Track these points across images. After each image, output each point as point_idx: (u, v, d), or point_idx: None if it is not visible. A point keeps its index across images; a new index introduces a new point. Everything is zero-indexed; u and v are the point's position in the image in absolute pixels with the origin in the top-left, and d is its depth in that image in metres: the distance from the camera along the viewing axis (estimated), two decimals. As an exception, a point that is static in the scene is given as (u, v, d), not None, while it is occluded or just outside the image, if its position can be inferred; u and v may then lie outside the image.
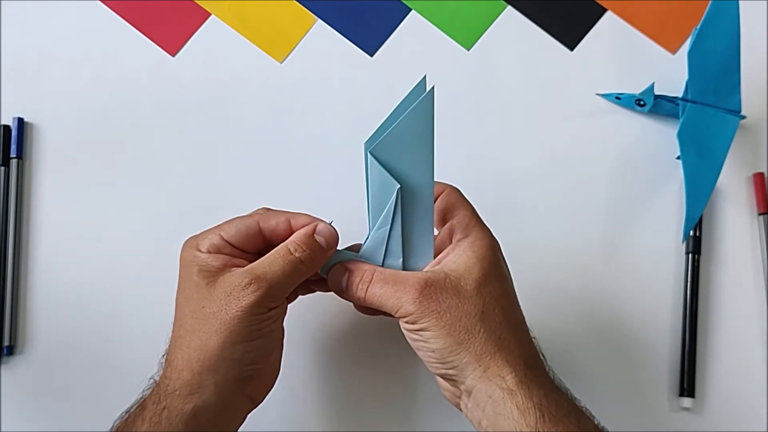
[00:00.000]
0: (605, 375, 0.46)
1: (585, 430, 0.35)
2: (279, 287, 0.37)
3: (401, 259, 0.40)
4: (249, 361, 0.37)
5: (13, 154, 0.48)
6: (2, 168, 0.48)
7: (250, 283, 0.36)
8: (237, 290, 0.36)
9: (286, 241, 0.38)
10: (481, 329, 0.36)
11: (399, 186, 0.38)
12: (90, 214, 0.48)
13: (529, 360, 0.36)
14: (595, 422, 0.36)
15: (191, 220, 0.48)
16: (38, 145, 0.49)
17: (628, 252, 0.49)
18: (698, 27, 0.47)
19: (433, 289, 0.36)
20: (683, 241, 0.48)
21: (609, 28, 0.53)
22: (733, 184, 0.50)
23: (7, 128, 0.49)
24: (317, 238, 0.39)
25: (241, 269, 0.37)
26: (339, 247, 0.40)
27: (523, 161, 0.50)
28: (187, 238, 0.39)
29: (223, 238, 0.38)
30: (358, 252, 0.41)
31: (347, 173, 0.49)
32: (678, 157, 0.47)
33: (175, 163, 0.49)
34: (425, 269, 0.39)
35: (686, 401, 0.46)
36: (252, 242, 0.39)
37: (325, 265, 0.40)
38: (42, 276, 0.47)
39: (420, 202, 0.39)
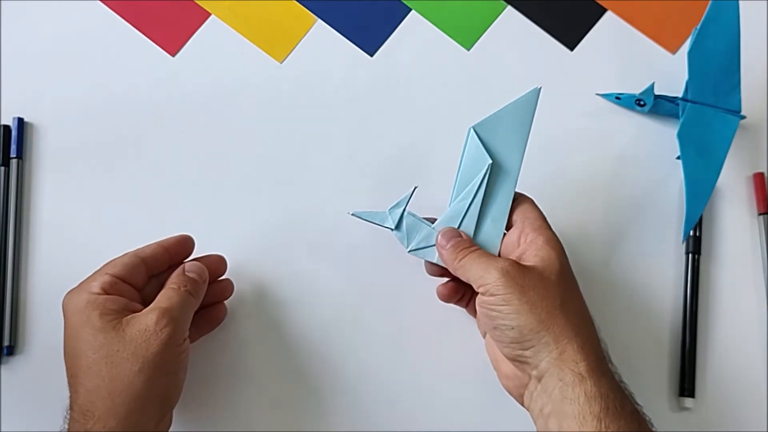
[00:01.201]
0: (605, 375, 0.46)
1: (643, 431, 0.37)
2: (183, 319, 0.40)
3: (471, 236, 0.43)
4: (173, 395, 0.39)
5: (13, 154, 0.48)
6: (2, 168, 0.48)
7: (162, 318, 0.38)
8: (151, 327, 0.38)
9: (169, 280, 0.41)
10: (561, 314, 0.38)
11: (491, 162, 0.42)
12: (90, 214, 0.48)
13: (599, 353, 0.38)
14: (653, 430, 0.37)
15: (191, 219, 0.48)
16: (38, 145, 0.49)
17: (628, 252, 0.49)
18: (698, 27, 0.47)
19: (519, 270, 0.39)
20: (683, 241, 0.48)
21: (609, 28, 0.53)
22: (733, 184, 0.50)
23: (7, 128, 0.49)
24: (189, 274, 0.42)
25: (148, 308, 0.39)
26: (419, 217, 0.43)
27: (523, 161, 0.50)
28: (68, 291, 0.41)
29: (112, 275, 0.40)
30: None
31: (347, 173, 0.49)
32: (678, 157, 0.47)
33: (175, 163, 0.49)
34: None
35: (686, 401, 0.46)
36: (137, 273, 0.41)
37: (417, 232, 0.43)
38: (42, 276, 0.47)
39: (504, 185, 0.43)
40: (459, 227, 0.43)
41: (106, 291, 0.39)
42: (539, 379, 0.37)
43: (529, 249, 0.40)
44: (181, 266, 0.43)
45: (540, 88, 0.42)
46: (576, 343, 0.37)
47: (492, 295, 0.38)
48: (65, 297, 0.40)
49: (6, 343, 0.45)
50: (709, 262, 0.49)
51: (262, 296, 0.47)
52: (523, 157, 0.43)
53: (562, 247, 0.40)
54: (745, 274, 0.49)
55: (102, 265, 0.41)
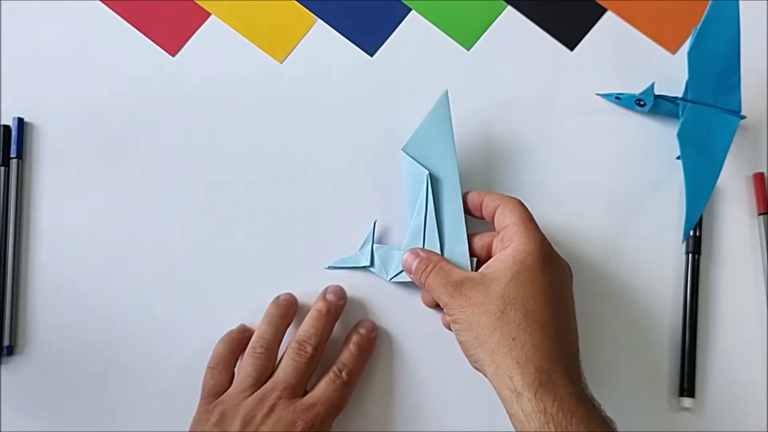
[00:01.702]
0: (605, 374, 0.46)
1: None
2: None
3: (438, 247, 0.45)
4: None
5: (13, 154, 0.48)
6: (2, 168, 0.48)
7: None
8: None
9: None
10: (497, 328, 0.37)
11: (428, 172, 0.45)
12: (90, 214, 0.48)
13: (543, 364, 0.36)
14: None
15: (191, 219, 0.48)
16: (38, 145, 0.49)
17: (628, 252, 0.49)
18: (698, 27, 0.47)
19: (467, 286, 0.40)
20: (683, 241, 0.48)
21: (609, 28, 0.53)
22: (733, 184, 0.50)
23: (7, 128, 0.49)
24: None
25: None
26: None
27: (523, 161, 0.50)
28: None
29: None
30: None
31: (347, 173, 0.49)
32: (678, 157, 0.47)
33: (175, 163, 0.49)
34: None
35: (686, 401, 0.46)
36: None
37: (391, 261, 0.46)
38: (42, 276, 0.47)
39: (448, 190, 0.45)
40: (423, 242, 0.45)
41: None
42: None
43: (495, 260, 0.41)
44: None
45: (447, 91, 0.46)
46: (509, 358, 0.36)
47: (448, 314, 0.40)
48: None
49: (6, 343, 0.46)
50: (709, 262, 0.49)
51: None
52: (455, 158, 0.45)
53: (531, 249, 0.40)
54: (745, 274, 0.49)
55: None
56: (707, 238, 0.49)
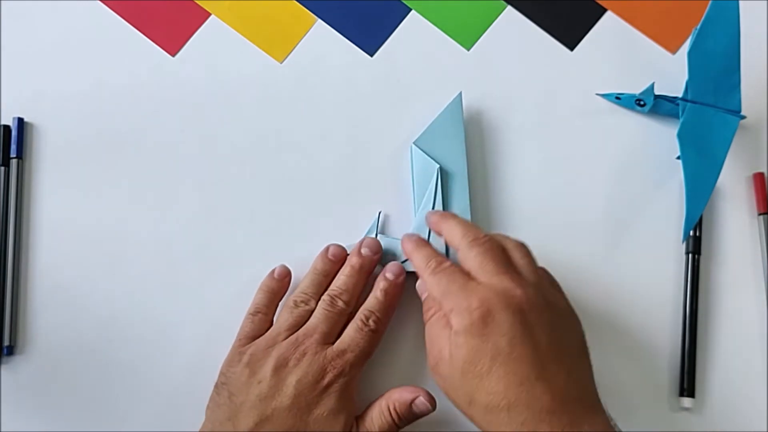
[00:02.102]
0: (605, 375, 0.46)
1: None
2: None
3: (443, 241, 0.45)
4: None
5: (13, 154, 0.48)
6: (2, 168, 0.48)
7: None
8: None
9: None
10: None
11: (439, 166, 0.47)
12: (90, 214, 0.48)
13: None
14: None
15: (191, 219, 0.48)
16: (38, 145, 0.49)
17: (628, 252, 0.49)
18: (698, 27, 0.47)
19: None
20: (683, 241, 0.48)
21: (609, 28, 0.53)
22: (733, 184, 0.50)
23: (7, 128, 0.49)
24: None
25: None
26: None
27: (523, 161, 0.50)
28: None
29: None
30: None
31: (347, 173, 0.50)
32: (678, 157, 0.47)
33: (175, 163, 0.49)
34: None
35: (686, 401, 0.46)
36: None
37: (394, 251, 0.47)
38: (42, 276, 0.47)
39: (457, 187, 0.47)
40: (429, 235, 0.46)
41: None
42: None
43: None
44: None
45: (461, 93, 0.48)
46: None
47: None
48: None
49: (6, 343, 0.45)
50: (709, 262, 0.49)
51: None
52: (465, 156, 0.47)
53: (457, 342, 0.38)
54: (745, 274, 0.49)
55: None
56: (707, 238, 0.49)
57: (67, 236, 0.48)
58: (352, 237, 0.48)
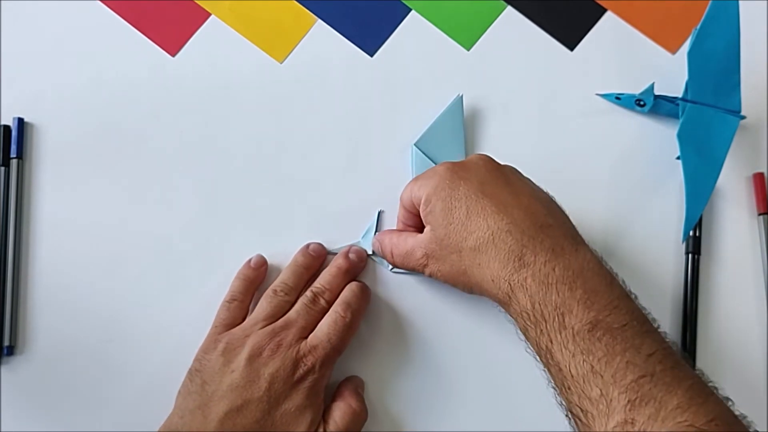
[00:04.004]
0: (605, 375, 0.46)
1: None
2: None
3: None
4: None
5: (13, 154, 0.48)
6: (2, 168, 0.48)
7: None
8: None
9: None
10: (462, 265, 0.40)
11: None
12: (90, 213, 0.48)
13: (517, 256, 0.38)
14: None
15: (191, 219, 0.48)
16: (38, 145, 0.49)
17: (628, 252, 0.49)
18: (698, 27, 0.47)
19: (421, 251, 0.42)
20: (683, 241, 0.48)
21: (609, 28, 0.53)
22: (733, 184, 0.50)
23: (7, 128, 0.49)
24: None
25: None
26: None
27: (523, 162, 0.50)
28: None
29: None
30: None
31: (347, 172, 0.50)
32: (678, 157, 0.47)
33: (175, 163, 0.49)
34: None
35: (686, 401, 0.46)
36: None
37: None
38: (42, 276, 0.47)
39: None
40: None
41: None
42: None
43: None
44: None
45: (462, 95, 0.49)
46: (489, 269, 0.38)
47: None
48: None
49: (6, 343, 0.45)
50: (709, 262, 0.49)
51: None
52: (464, 157, 0.48)
53: (434, 183, 0.41)
54: (745, 274, 0.49)
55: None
56: (707, 238, 0.49)
57: (67, 236, 0.48)
58: (351, 237, 0.48)
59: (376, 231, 0.47)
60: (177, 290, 0.47)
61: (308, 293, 0.44)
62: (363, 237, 0.47)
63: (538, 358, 0.37)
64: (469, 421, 0.45)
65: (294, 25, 0.52)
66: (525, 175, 0.43)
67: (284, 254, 0.47)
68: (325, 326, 0.42)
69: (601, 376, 0.33)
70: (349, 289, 0.44)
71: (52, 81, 0.50)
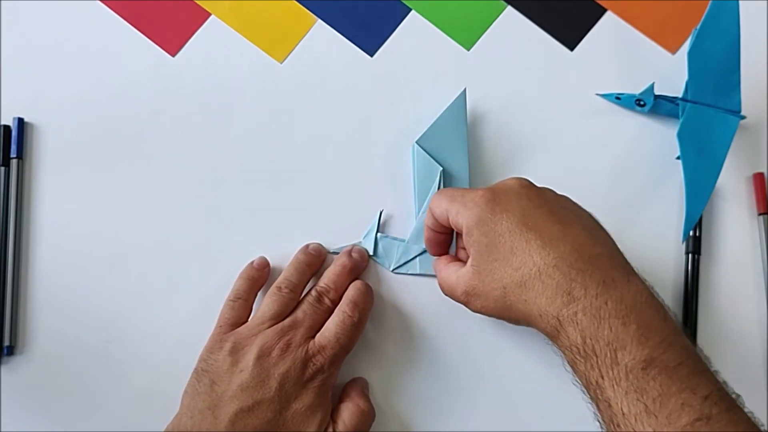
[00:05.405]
0: (605, 375, 0.46)
1: None
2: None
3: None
4: None
5: (13, 154, 0.48)
6: (2, 168, 0.48)
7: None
8: None
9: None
10: (507, 301, 0.38)
11: (442, 169, 0.46)
12: (90, 214, 0.48)
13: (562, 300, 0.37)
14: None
15: (191, 219, 0.48)
16: (38, 145, 0.49)
17: (628, 252, 0.48)
18: (698, 27, 0.47)
19: (465, 292, 0.40)
20: (683, 241, 0.48)
21: (609, 28, 0.53)
22: (733, 184, 0.50)
23: (7, 128, 0.49)
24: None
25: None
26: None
27: (523, 162, 0.50)
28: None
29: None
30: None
31: (347, 173, 0.50)
32: (678, 157, 0.47)
33: (175, 164, 0.49)
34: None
35: (686, 401, 0.46)
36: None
37: (395, 251, 0.47)
38: (42, 276, 0.47)
39: (459, 182, 0.47)
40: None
41: None
42: None
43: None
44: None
45: (465, 89, 0.48)
46: (537, 304, 0.37)
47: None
48: None
49: (6, 343, 0.46)
50: (709, 262, 0.49)
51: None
52: (467, 155, 0.47)
53: (471, 217, 0.39)
54: (745, 274, 0.49)
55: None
56: (707, 238, 0.49)
57: (67, 236, 0.48)
58: (352, 237, 0.48)
59: (377, 231, 0.47)
60: (177, 290, 0.47)
61: (313, 292, 0.44)
62: (364, 237, 0.47)
63: (585, 391, 0.36)
64: (475, 420, 0.45)
65: (294, 25, 0.52)
66: (563, 194, 0.41)
67: (284, 254, 0.47)
68: (333, 326, 0.42)
69: (656, 417, 0.32)
70: (355, 288, 0.44)
71: (52, 81, 0.50)
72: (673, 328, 0.35)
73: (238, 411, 0.39)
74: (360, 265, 0.46)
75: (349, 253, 0.46)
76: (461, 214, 0.39)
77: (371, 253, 0.47)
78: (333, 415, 0.42)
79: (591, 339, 0.34)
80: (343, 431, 0.41)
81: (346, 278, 0.45)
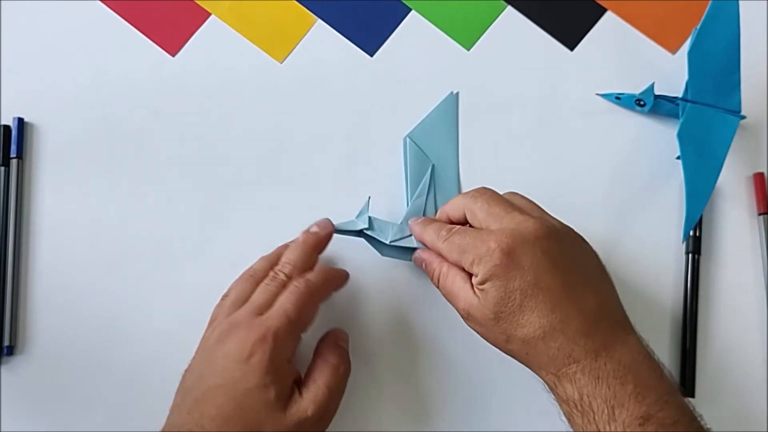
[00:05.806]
0: (605, 375, 0.46)
1: None
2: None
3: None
4: None
5: (13, 154, 0.48)
6: (2, 168, 0.48)
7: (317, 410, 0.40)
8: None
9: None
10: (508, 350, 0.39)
11: (433, 163, 0.48)
12: (90, 214, 0.48)
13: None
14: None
15: (191, 219, 0.48)
16: (38, 145, 0.49)
17: (628, 252, 0.49)
18: (698, 27, 0.47)
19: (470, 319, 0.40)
20: (683, 241, 0.48)
21: (609, 28, 0.53)
22: (733, 184, 0.50)
23: (7, 128, 0.49)
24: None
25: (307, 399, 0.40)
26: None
27: (523, 161, 0.50)
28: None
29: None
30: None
31: (347, 173, 0.50)
32: (678, 157, 0.47)
33: (175, 163, 0.49)
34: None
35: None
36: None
37: (389, 229, 0.46)
38: (42, 276, 0.47)
39: (447, 178, 0.48)
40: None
41: None
42: None
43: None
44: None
45: (457, 93, 0.50)
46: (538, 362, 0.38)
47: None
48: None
49: (6, 343, 0.45)
50: (709, 262, 0.49)
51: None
52: (457, 151, 0.49)
53: (487, 272, 0.38)
54: (745, 274, 0.49)
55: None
56: (707, 238, 0.49)
57: (67, 236, 0.48)
58: (347, 238, 0.48)
59: (368, 212, 0.46)
60: (177, 290, 0.47)
61: (270, 272, 0.43)
62: (357, 216, 0.46)
63: None
64: (478, 419, 0.45)
65: (294, 25, 0.52)
66: (573, 231, 0.41)
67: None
68: (281, 297, 0.41)
69: None
70: (315, 268, 0.43)
71: (52, 81, 0.50)
72: (669, 386, 0.36)
73: (192, 403, 0.38)
74: (318, 236, 0.44)
75: (308, 228, 0.45)
76: (475, 255, 0.38)
77: (365, 226, 0.45)
78: (306, 380, 0.40)
79: (589, 396, 0.35)
80: (313, 395, 0.39)
81: (301, 251, 0.43)
